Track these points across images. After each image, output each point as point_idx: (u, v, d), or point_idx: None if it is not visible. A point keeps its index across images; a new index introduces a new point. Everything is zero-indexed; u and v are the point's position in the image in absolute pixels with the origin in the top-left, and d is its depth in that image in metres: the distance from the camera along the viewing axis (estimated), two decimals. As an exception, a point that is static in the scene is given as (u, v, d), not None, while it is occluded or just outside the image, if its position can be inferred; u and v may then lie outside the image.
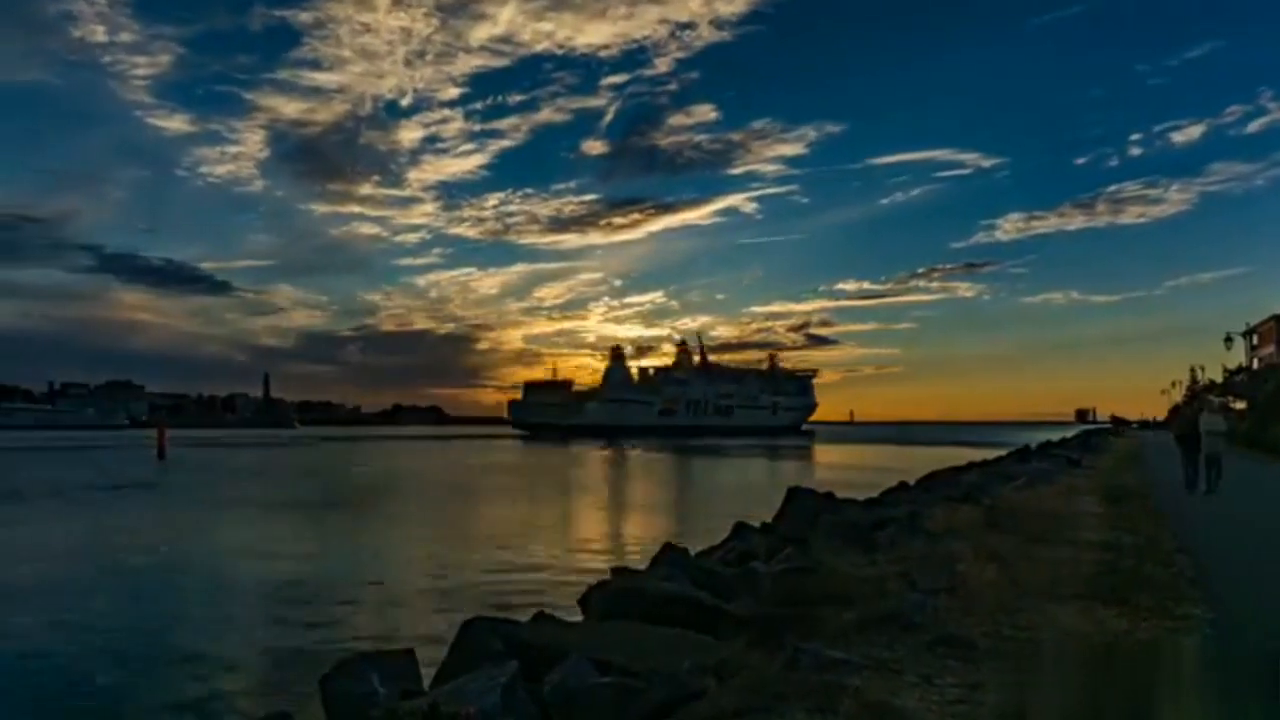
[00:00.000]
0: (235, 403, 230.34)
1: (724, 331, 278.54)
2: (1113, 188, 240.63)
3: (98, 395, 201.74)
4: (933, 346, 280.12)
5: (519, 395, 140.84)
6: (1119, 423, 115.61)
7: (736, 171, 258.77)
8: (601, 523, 27.09)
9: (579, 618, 8.39)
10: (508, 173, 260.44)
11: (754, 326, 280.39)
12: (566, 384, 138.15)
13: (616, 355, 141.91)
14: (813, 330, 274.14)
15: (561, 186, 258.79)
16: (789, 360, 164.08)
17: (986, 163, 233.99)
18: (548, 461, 65.34)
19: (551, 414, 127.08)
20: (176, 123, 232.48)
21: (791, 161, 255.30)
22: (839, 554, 9.92)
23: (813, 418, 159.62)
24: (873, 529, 12.33)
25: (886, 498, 20.11)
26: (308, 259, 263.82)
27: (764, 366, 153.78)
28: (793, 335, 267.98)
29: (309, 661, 9.86)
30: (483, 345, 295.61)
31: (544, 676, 5.51)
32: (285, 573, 17.09)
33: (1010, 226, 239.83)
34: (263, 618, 13.46)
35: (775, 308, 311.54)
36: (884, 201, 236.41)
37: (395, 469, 55.12)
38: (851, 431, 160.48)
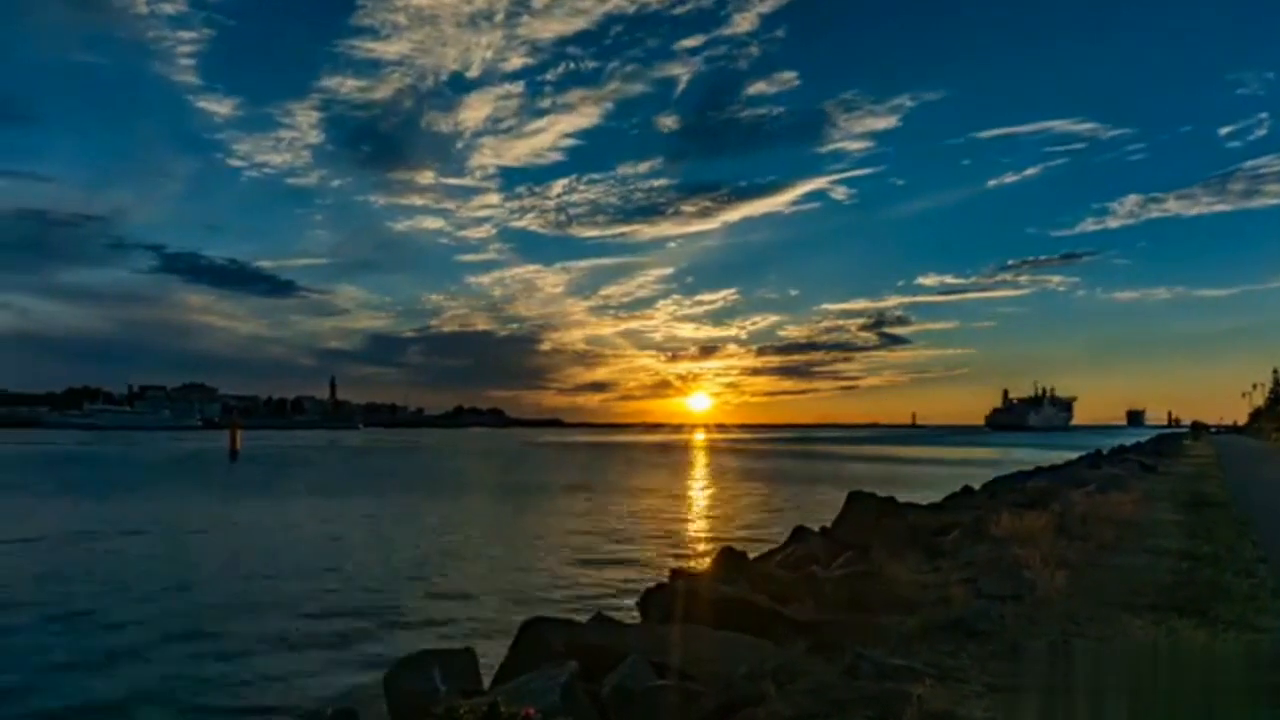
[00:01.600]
0: (303, 404, 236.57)
1: (793, 331, 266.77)
2: (1250, 163, 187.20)
3: (174, 397, 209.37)
4: (1010, 346, 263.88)
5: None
6: (1198, 427, 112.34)
7: (821, 150, 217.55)
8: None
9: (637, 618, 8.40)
10: (574, 155, 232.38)
11: (824, 325, 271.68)
12: (1020, 408, 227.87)
13: (1006, 395, 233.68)
14: (887, 329, 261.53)
15: (630, 171, 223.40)
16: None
17: (1110, 134, 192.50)
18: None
19: (1008, 421, 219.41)
20: (226, 107, 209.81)
21: (882, 137, 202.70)
22: (901, 559, 9.77)
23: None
24: (936, 534, 12.12)
25: (949, 503, 19.72)
26: (369, 256, 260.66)
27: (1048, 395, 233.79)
28: (865, 334, 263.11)
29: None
30: (545, 346, 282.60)
31: (602, 677, 5.54)
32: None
33: (1124, 211, 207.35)
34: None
35: (851, 305, 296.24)
36: (990, 184, 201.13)
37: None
38: (913, 434, 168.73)
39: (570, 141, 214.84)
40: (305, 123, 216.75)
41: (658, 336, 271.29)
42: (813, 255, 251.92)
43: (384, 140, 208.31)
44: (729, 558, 10.81)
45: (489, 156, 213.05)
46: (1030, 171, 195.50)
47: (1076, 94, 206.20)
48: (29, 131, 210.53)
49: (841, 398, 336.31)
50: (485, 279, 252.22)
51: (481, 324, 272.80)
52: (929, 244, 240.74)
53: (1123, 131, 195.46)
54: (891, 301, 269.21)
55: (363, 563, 18.65)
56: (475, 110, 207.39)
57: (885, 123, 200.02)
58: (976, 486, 24.03)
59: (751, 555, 12.82)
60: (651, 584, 10.41)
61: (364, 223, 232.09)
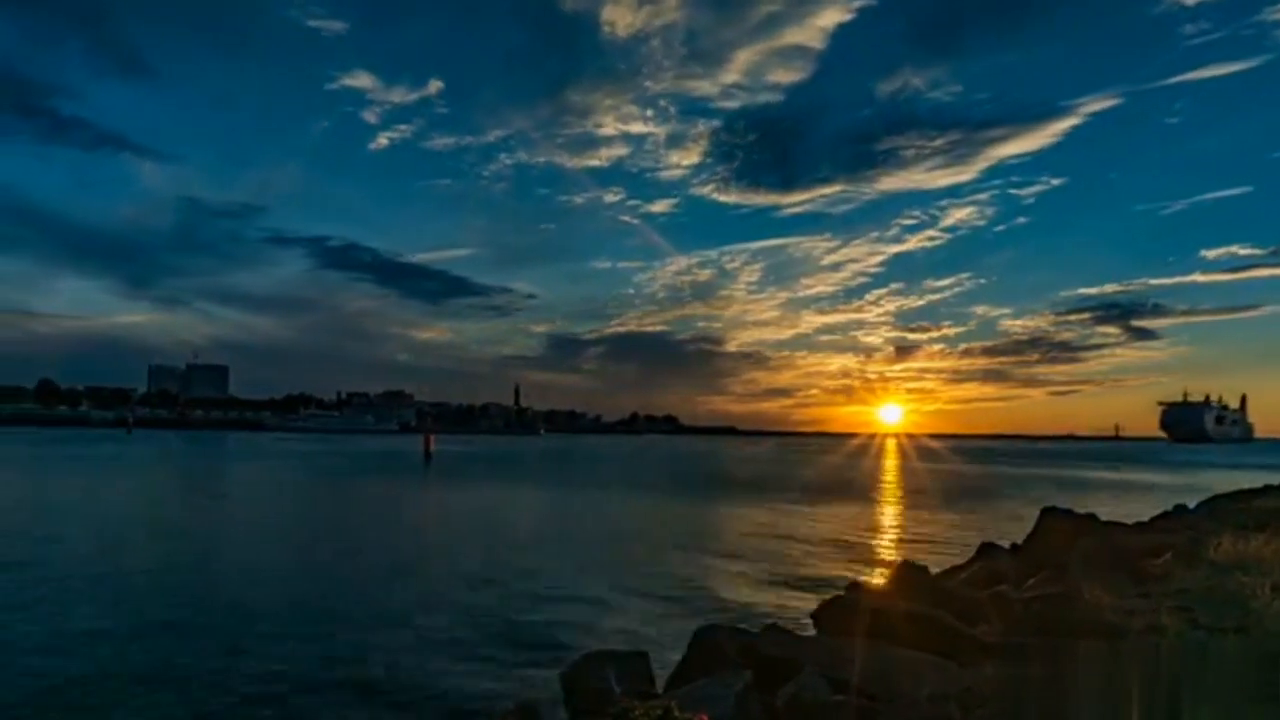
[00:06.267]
0: (489, 410, 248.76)
1: (1015, 325, 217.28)
2: None
3: (376, 403, 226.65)
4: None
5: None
6: None
7: (1130, 38, 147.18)
8: None
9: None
10: (784, 71, 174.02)
11: (1052, 319, 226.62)
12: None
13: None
14: (1134, 321, 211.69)
15: (855, 96, 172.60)
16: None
17: None
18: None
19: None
20: (342, 28, 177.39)
21: (1232, 7, 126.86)
22: (1102, 582, 9.04)
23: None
24: (1143, 556, 11.13)
25: (1159, 522, 18.04)
26: (538, 242, 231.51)
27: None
28: (1105, 329, 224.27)
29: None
30: (727, 348, 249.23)
31: (776, 689, 5.47)
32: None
33: None
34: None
35: (1099, 290, 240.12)
36: None
37: None
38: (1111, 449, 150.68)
39: (784, 42, 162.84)
40: (443, 60, 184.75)
41: (876, 339, 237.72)
42: (1072, 216, 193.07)
43: (544, 61, 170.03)
44: (910, 572, 10.38)
45: (665, 84, 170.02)
46: None
47: None
48: (149, 91, 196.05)
49: (1055, 403, 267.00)
50: (668, 270, 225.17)
51: (659, 325, 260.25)
52: (1242, 192, 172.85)
53: None
54: (1153, 283, 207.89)
55: (543, 560, 19.37)
56: (664, 11, 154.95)
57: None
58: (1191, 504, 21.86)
59: (933, 570, 12.28)
60: (827, 596, 10.18)
61: (527, 197, 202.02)
